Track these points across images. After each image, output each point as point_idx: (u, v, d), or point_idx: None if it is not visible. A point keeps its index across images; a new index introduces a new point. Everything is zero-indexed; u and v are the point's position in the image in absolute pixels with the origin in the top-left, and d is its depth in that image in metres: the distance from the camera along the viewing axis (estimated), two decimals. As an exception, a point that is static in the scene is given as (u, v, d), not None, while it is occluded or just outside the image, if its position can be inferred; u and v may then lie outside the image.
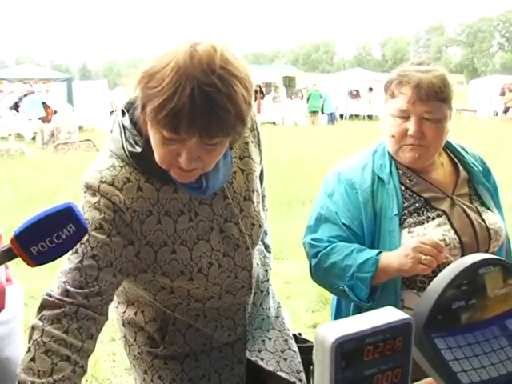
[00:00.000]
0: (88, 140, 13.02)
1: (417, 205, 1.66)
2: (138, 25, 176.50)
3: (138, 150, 1.26)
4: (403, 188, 1.69)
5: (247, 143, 1.44)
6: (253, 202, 1.45)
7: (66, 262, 1.24)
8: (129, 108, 1.31)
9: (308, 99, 22.39)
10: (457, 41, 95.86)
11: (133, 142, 1.28)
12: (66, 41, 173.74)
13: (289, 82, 28.08)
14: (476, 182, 1.73)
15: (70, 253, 1.21)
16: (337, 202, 1.68)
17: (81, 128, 16.75)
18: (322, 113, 22.59)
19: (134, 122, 1.29)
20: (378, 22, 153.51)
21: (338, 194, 1.69)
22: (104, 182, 1.25)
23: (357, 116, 24.39)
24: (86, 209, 1.25)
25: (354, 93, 25.45)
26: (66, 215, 0.98)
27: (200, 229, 1.35)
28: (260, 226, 1.46)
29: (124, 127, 1.29)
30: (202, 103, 1.08)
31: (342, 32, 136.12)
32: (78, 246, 1.20)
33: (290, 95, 26.23)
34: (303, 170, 9.60)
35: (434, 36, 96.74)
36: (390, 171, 1.68)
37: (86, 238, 1.20)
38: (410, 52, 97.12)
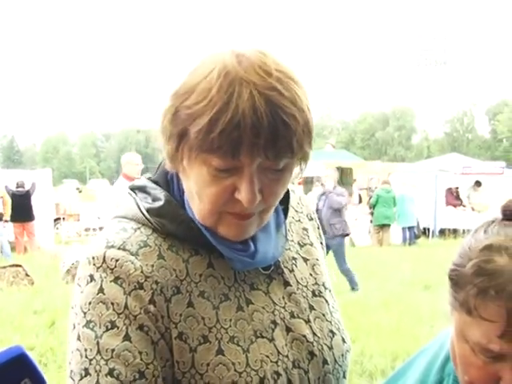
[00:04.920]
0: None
1: None
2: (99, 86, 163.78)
3: (159, 203, 1.17)
4: None
5: (306, 229, 1.38)
6: (327, 303, 1.31)
7: None
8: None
9: (374, 205, 17.15)
10: None
11: (150, 200, 1.19)
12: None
13: (341, 177, 22.07)
14: None
15: (76, 376, 1.07)
16: None
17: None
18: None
19: (154, 182, 1.23)
20: (482, 79, 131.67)
21: None
22: (112, 246, 1.11)
23: (454, 231, 18.89)
24: (85, 306, 1.09)
25: (453, 194, 20.37)
26: (18, 366, 0.82)
27: (257, 322, 1.18)
28: (344, 341, 1.28)
29: (137, 188, 1.23)
30: (267, 110, 1.01)
31: (423, 96, 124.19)
32: (87, 363, 1.06)
33: None
34: (368, 319, 7.52)
35: None
36: None
37: (95, 348, 1.06)
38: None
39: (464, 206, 19.70)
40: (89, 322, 1.09)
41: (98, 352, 1.07)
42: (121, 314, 1.09)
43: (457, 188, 20.46)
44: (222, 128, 1.01)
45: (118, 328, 1.08)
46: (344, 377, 1.28)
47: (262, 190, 1.09)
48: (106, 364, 1.06)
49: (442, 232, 19.35)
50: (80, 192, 26.54)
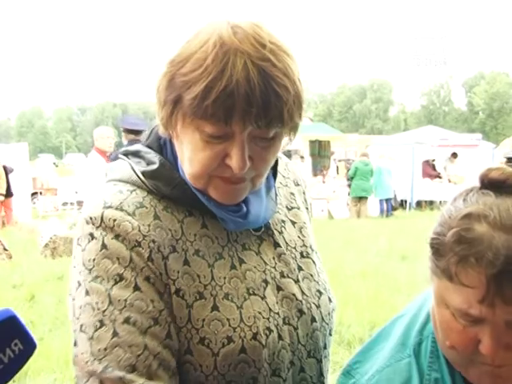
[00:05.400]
0: None
1: None
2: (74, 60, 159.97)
3: (154, 166, 1.21)
4: None
5: (293, 194, 1.43)
6: (314, 263, 1.37)
7: (90, 343, 1.08)
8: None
9: (352, 177, 17.15)
10: None
11: (144, 164, 1.23)
12: None
13: (319, 150, 22.19)
14: None
15: (90, 328, 1.09)
16: None
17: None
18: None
19: (147, 146, 1.27)
20: (459, 52, 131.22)
21: None
22: (109, 206, 1.15)
23: (430, 203, 19.00)
24: (89, 263, 1.11)
25: (430, 166, 20.46)
26: (8, 328, 0.85)
27: (250, 280, 1.22)
28: (330, 301, 1.36)
29: (130, 153, 1.27)
30: (259, 80, 1.06)
31: (401, 68, 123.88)
32: (100, 315, 1.09)
33: (321, 170, 21.10)
34: (346, 289, 7.39)
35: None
36: None
37: (106, 300, 1.09)
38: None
39: (440, 177, 19.81)
40: (96, 277, 1.12)
41: (111, 303, 1.10)
42: (127, 266, 1.12)
43: (433, 160, 20.55)
44: (216, 96, 1.05)
45: (126, 280, 1.12)
46: (330, 334, 1.35)
47: (252, 157, 1.14)
48: (121, 313, 1.09)
49: (419, 204, 19.44)
50: (57, 166, 26.28)
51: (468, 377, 1.19)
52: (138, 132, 7.45)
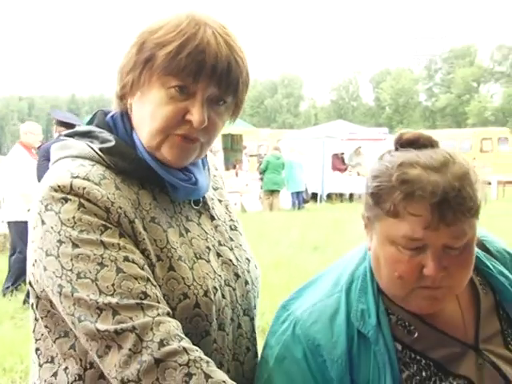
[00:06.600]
0: None
1: (424, 374, 1.36)
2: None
3: (111, 144, 1.32)
4: (400, 348, 1.38)
5: (215, 176, 1.61)
6: (241, 235, 1.57)
7: (96, 283, 1.17)
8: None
9: (264, 171, 17.32)
10: (496, 73, 76.93)
11: (98, 142, 1.33)
12: None
13: (231, 144, 22.62)
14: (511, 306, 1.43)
15: (91, 273, 1.18)
16: (290, 374, 1.38)
17: None
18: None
19: (97, 127, 1.37)
20: (367, 49, 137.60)
21: (292, 362, 1.39)
22: (77, 176, 1.24)
23: (340, 195, 19.73)
24: (69, 222, 1.20)
25: (340, 159, 20.99)
26: None
27: (196, 246, 1.39)
28: (256, 267, 1.56)
29: (78, 134, 1.37)
30: (225, 46, 1.27)
31: (311, 64, 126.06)
32: (98, 259, 1.19)
33: (234, 164, 21.33)
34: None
35: (457, 67, 78.87)
36: (378, 321, 1.37)
37: (101, 246, 1.20)
38: (420, 93, 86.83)
39: (350, 170, 20.34)
40: (81, 231, 1.21)
41: (106, 248, 1.21)
42: (106, 219, 1.24)
43: (342, 153, 21.01)
44: (189, 51, 1.23)
45: (111, 229, 1.24)
46: (258, 296, 1.54)
47: (208, 117, 1.29)
48: (118, 253, 1.22)
49: (330, 196, 19.84)
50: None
51: (409, 307, 1.37)
52: (70, 126, 7.31)
